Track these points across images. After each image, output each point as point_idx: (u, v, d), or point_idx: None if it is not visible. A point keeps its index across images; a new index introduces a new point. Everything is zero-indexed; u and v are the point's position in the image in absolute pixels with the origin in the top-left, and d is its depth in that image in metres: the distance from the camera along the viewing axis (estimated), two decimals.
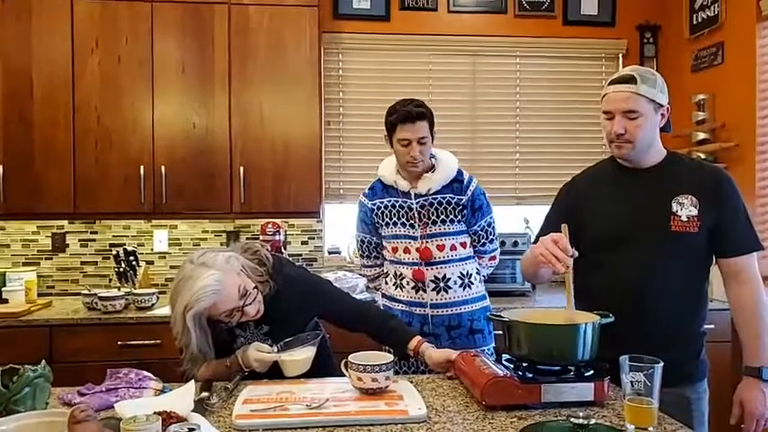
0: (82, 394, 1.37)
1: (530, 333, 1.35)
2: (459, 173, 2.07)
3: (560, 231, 1.43)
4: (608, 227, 1.57)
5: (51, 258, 3.04)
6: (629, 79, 1.50)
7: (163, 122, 2.78)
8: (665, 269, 1.50)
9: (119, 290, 2.73)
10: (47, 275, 3.03)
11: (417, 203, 2.04)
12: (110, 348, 2.50)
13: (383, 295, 2.20)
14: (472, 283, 2.09)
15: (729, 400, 1.56)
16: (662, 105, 1.52)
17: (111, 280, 2.99)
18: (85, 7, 2.71)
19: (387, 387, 1.37)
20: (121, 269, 2.80)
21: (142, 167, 2.75)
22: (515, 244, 2.92)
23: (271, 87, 2.83)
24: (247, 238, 3.13)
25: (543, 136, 3.37)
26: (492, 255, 2.16)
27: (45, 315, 2.55)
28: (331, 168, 3.24)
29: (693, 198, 1.50)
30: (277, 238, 2.98)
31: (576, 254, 1.41)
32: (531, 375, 1.31)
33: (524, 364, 1.36)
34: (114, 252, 2.84)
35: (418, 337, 1.65)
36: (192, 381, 1.38)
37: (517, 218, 3.27)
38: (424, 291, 2.06)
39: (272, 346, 1.53)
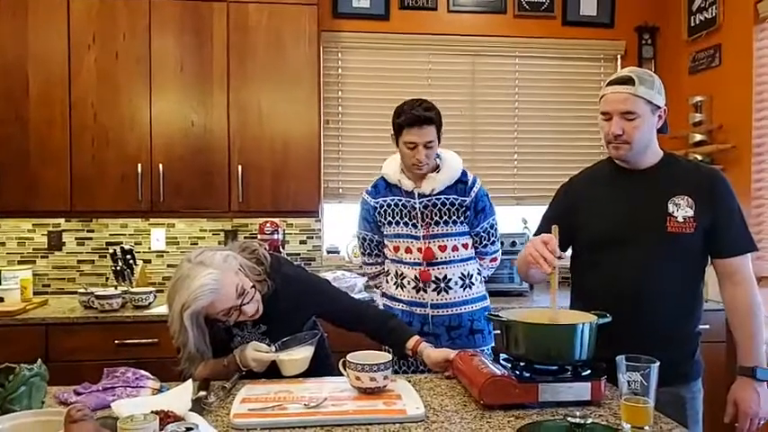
0: (78, 393, 1.36)
1: (528, 333, 1.35)
2: (464, 174, 2.07)
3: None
4: (605, 228, 1.58)
5: (47, 257, 3.03)
6: (627, 80, 1.50)
7: (161, 120, 2.76)
8: (662, 270, 1.51)
9: (115, 288, 2.71)
10: (43, 274, 3.02)
11: (421, 203, 2.04)
12: (106, 347, 2.48)
13: (383, 294, 2.20)
14: (473, 284, 2.08)
15: (723, 400, 1.57)
16: (659, 107, 1.53)
17: (107, 278, 2.99)
18: (82, 3, 2.70)
19: (385, 386, 1.36)
20: (118, 268, 2.79)
21: (139, 165, 2.74)
22: (513, 244, 2.92)
23: (270, 86, 2.82)
24: (245, 237, 3.12)
25: (542, 136, 3.37)
26: (493, 256, 2.16)
27: (41, 314, 2.54)
28: (330, 167, 3.24)
29: (689, 199, 1.51)
30: (275, 237, 2.97)
31: (564, 255, 1.42)
32: (528, 375, 1.31)
33: (522, 364, 1.36)
34: (111, 250, 2.83)
35: (416, 337, 1.64)
36: (190, 380, 1.38)
37: (515, 218, 3.27)
38: (425, 291, 2.05)
39: (269, 345, 1.53)
